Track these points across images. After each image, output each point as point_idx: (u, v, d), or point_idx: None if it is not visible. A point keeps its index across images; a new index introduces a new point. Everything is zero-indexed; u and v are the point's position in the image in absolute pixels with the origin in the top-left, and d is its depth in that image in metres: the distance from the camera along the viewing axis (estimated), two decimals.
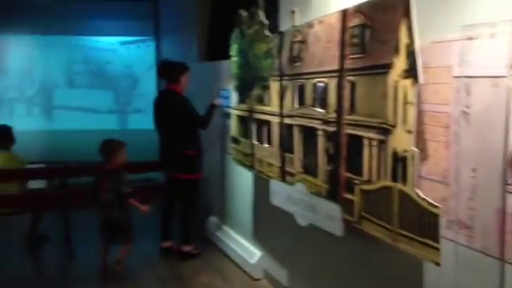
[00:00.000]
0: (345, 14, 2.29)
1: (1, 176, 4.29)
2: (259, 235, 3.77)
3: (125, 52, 6.41)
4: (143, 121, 5.68)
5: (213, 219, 4.69)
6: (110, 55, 6.37)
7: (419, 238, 1.84)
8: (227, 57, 3.88)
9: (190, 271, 3.89)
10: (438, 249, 1.76)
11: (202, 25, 4.97)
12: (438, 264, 1.78)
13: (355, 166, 2.26)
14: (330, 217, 2.53)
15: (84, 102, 6.34)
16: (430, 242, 1.79)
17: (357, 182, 2.25)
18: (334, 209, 2.47)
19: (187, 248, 4.17)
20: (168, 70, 4.16)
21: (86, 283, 3.75)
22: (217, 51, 4.59)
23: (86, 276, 3.86)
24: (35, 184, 5.05)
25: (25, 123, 6.20)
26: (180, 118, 4.06)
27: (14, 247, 4.51)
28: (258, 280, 3.67)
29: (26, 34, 6.32)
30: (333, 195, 2.48)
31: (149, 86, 6.05)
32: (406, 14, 1.84)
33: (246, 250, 3.88)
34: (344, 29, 2.30)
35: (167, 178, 4.34)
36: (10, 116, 6.11)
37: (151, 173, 5.13)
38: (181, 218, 4.21)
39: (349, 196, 2.33)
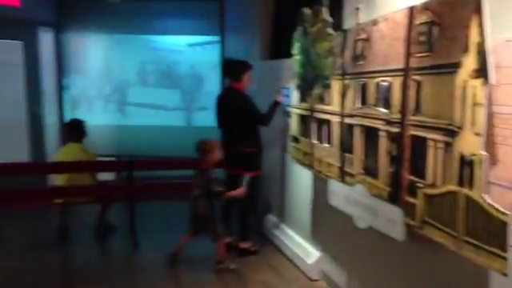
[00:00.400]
0: (412, 10, 2.22)
1: (73, 168, 4.55)
2: (317, 235, 3.74)
3: (192, 53, 6.66)
4: (207, 118, 5.88)
5: (271, 217, 4.70)
6: (179, 56, 6.67)
7: (485, 247, 1.75)
8: (289, 55, 3.87)
9: (247, 268, 3.93)
10: (505, 258, 1.67)
11: (266, 23, 4.99)
12: (504, 274, 1.68)
13: (419, 169, 2.18)
14: (390, 220, 2.46)
15: (154, 99, 6.73)
16: (497, 251, 1.69)
17: (420, 185, 2.17)
18: (395, 212, 2.40)
19: (245, 245, 4.21)
20: (231, 68, 4.22)
21: (149, 272, 3.89)
22: (279, 50, 4.59)
23: (149, 265, 4.02)
24: (105, 176, 5.34)
25: (101, 118, 6.68)
26: (240, 116, 4.11)
27: (84, 235, 4.77)
28: (315, 281, 3.65)
29: (102, 33, 6.75)
30: (394, 198, 2.41)
31: (213, 85, 6.22)
32: (477, 10, 1.75)
33: (304, 249, 3.87)
34: (411, 26, 2.23)
35: (227, 174, 4.40)
36: (88, 111, 6.63)
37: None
38: (239, 214, 4.27)
39: (411, 199, 2.25)
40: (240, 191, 3.99)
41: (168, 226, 5.03)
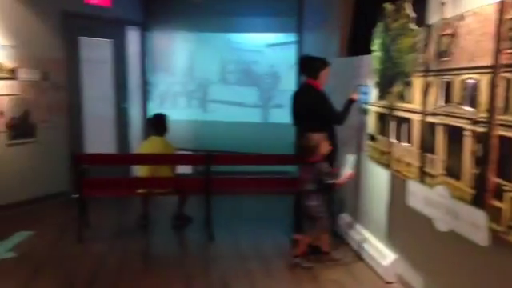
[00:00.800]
0: (502, 5, 2.10)
1: (154, 160, 4.78)
2: (393, 237, 3.64)
3: (270, 53, 6.82)
4: (282, 115, 6.01)
5: (345, 216, 4.65)
6: (257, 56, 6.86)
7: None
8: (368, 52, 3.79)
9: (319, 266, 3.92)
10: None
11: (345, 20, 4.92)
12: None
13: (506, 171, 2.06)
14: (473, 224, 2.35)
15: (233, 97, 7.00)
16: None
17: (507, 188, 2.05)
18: (479, 216, 2.29)
19: (317, 243, 4.19)
20: (308, 65, 4.21)
21: (223, 262, 4.00)
22: (358, 46, 4.52)
23: (223, 256, 4.13)
24: (183, 169, 5.57)
25: (184, 114, 7.01)
26: (315, 113, 4.09)
27: (163, 224, 5.00)
28: (390, 283, 3.56)
29: (185, 31, 7.06)
30: (478, 201, 2.29)
31: (289, 84, 6.32)
32: None
33: (379, 251, 3.78)
34: (500, 21, 2.11)
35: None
36: (173, 107, 7.00)
37: (287, 166, 5.25)
38: None
39: (497, 203, 2.13)
40: (349, 174, 3.92)
41: (242, 220, 5.14)
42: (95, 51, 6.19)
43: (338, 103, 4.11)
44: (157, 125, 4.97)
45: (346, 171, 3.89)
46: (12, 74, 5.12)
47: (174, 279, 3.69)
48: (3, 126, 5.08)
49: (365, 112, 4.00)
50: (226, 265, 3.96)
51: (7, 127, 5.12)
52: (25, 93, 5.27)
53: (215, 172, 4.58)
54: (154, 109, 6.67)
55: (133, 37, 6.79)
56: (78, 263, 3.92)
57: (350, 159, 3.94)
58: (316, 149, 3.84)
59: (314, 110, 4.10)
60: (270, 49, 6.80)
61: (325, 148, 3.87)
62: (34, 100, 5.38)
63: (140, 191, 4.86)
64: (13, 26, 5.09)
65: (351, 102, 4.08)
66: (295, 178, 4.58)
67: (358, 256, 4.07)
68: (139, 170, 5.04)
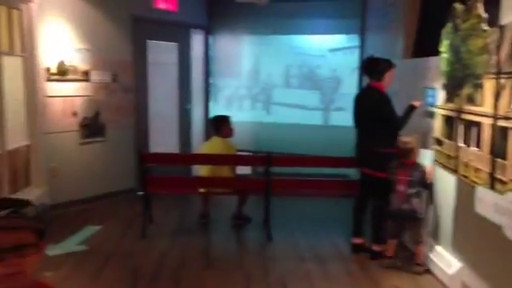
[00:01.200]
0: None
1: (216, 160, 4.88)
2: (459, 245, 3.51)
3: (332, 57, 6.87)
4: (343, 118, 6.04)
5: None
6: (320, 61, 6.94)
7: None
8: (435, 53, 3.68)
9: (380, 271, 3.84)
10: None
11: (411, 21, 4.80)
12: None
13: None
14: None
15: (295, 99, 7.11)
16: None
17: None
18: None
19: (377, 248, 4.11)
20: (372, 66, 4.14)
21: (281, 263, 4.03)
22: (424, 47, 4.39)
23: (282, 257, 4.16)
24: (243, 170, 5.66)
25: (248, 116, 7.18)
26: (377, 116, 4.02)
27: (222, 224, 5.10)
28: None
29: (248, 34, 7.22)
30: None
31: (350, 87, 6.34)
32: None
33: (443, 258, 3.65)
34: None
35: (361, 174, 4.33)
36: (239, 110, 7.20)
37: (347, 168, 5.20)
38: (372, 216, 4.19)
39: None
40: (431, 169, 3.83)
41: (301, 222, 5.14)
42: (161, 54, 6.42)
43: (401, 107, 4.01)
44: (218, 126, 5.08)
45: (428, 166, 3.85)
46: (85, 76, 5.42)
47: (233, 278, 3.75)
48: (76, 125, 5.38)
49: (431, 115, 3.89)
50: (285, 266, 3.98)
51: (80, 127, 5.42)
52: (96, 94, 5.56)
53: (275, 173, 4.62)
54: (217, 110, 6.82)
55: (197, 40, 6.98)
56: (142, 257, 4.09)
57: (428, 154, 3.89)
58: (412, 151, 3.81)
59: (376, 112, 4.03)
60: (332, 53, 6.84)
61: (417, 151, 3.86)
62: (104, 101, 5.66)
63: (201, 190, 4.98)
64: (87, 30, 5.39)
65: (412, 108, 3.97)
66: (355, 181, 4.54)
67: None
68: (200, 170, 5.17)
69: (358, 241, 4.26)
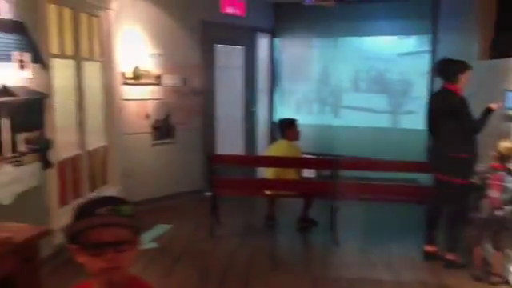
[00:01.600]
0: None
1: (281, 163, 4.90)
2: None
3: (402, 61, 6.77)
4: (413, 121, 6.04)
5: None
6: (389, 64, 6.88)
7: None
8: None
9: (455, 281, 3.69)
10: None
11: (487, 20, 4.59)
12: None
13: None
14: None
15: (364, 103, 7.10)
16: None
17: None
18: None
19: (451, 256, 3.95)
20: (447, 68, 3.99)
21: (351, 269, 3.97)
22: (503, 48, 4.17)
23: (350, 263, 4.10)
24: (308, 173, 5.65)
25: (316, 119, 7.24)
26: (452, 119, 3.87)
27: (288, 227, 5.10)
28: None
29: (314, 37, 7.26)
30: None
31: (421, 91, 6.26)
32: None
33: None
34: None
35: (435, 180, 4.18)
36: (306, 113, 7.26)
37: (418, 173, 5.04)
38: (447, 224, 4.03)
39: None
40: None
41: (368, 227, 5.04)
42: (228, 58, 6.55)
43: (477, 110, 3.83)
44: (285, 129, 5.10)
45: None
46: (157, 80, 5.63)
47: (301, 281, 3.75)
48: (149, 127, 5.60)
49: (510, 119, 3.69)
50: (354, 272, 3.92)
51: (152, 128, 5.64)
52: (167, 97, 5.76)
53: (342, 177, 4.56)
54: (284, 113, 6.86)
55: (263, 43, 7.05)
56: (211, 257, 4.19)
57: None
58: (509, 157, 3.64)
59: (452, 115, 3.88)
60: (401, 57, 6.74)
61: None
62: (175, 104, 5.85)
63: (267, 192, 5.02)
64: (159, 36, 5.60)
65: (489, 110, 3.79)
66: (427, 187, 4.39)
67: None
68: (266, 172, 5.22)
69: (430, 248, 4.11)
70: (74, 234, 1.29)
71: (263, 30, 7.00)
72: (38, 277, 2.20)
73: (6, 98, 3.15)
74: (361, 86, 7.13)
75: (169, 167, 5.84)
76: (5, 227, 2.15)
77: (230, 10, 6.32)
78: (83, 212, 1.30)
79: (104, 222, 1.29)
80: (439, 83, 4.13)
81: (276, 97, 7.38)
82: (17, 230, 2.12)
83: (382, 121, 6.89)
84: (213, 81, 6.35)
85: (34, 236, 2.17)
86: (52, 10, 3.99)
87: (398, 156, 5.15)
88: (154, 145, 5.68)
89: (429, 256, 4.10)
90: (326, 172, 5.07)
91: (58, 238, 3.56)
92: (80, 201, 1.34)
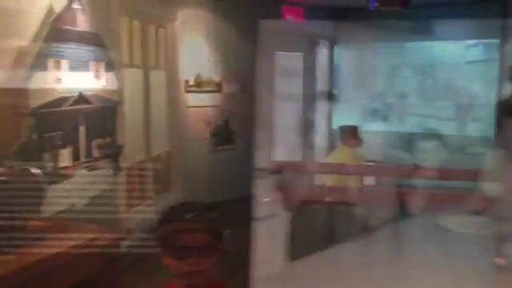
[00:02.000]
0: None
1: (343, 171, 4.83)
2: None
3: (468, 69, 6.63)
4: (478, 129, 5.99)
5: None
6: (456, 72, 6.77)
7: None
8: None
9: None
10: None
11: None
12: None
13: None
14: None
15: (427, 110, 6.93)
16: None
17: None
18: None
19: None
20: None
21: (415, 280, 3.82)
22: None
23: (414, 274, 3.94)
24: (369, 180, 5.53)
25: (379, 126, 7.06)
26: None
27: (348, 234, 5.00)
28: None
29: (376, 43, 7.10)
30: None
31: (489, 98, 6.01)
32: None
33: None
34: None
35: None
36: (369, 120, 7.10)
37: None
38: None
39: None
40: None
41: (434, 237, 4.85)
42: (287, 64, 6.56)
43: None
44: (345, 136, 5.03)
45: None
46: (218, 88, 5.73)
47: None
48: (209, 133, 5.71)
49: None
50: (419, 283, 3.77)
51: (211, 135, 5.75)
52: (226, 104, 5.85)
53: (407, 185, 4.43)
54: (345, 120, 6.78)
55: (322, 50, 7.02)
56: None
57: None
58: None
59: None
60: (469, 65, 6.57)
61: None
62: (233, 110, 5.93)
63: (327, 199, 4.95)
64: (220, 44, 5.71)
65: None
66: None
67: None
68: (326, 180, 5.15)
69: (502, 261, 3.91)
70: (162, 237, 1.34)
71: (323, 37, 6.96)
72: (120, 278, 2.29)
73: (82, 106, 3.32)
74: (426, 93, 7.01)
75: (228, 173, 5.92)
76: (88, 229, 2.26)
77: (289, 17, 6.34)
78: (172, 216, 1.35)
79: (192, 228, 1.33)
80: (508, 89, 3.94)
81: (336, 104, 7.31)
82: (99, 232, 2.23)
83: (446, 128, 6.68)
84: (272, 88, 6.37)
85: (117, 237, 2.27)
86: (124, 22, 4.18)
87: (464, 165, 4.96)
88: (213, 151, 5.77)
89: (501, 268, 3.89)
90: (386, 180, 4.94)
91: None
92: (168, 205, 1.39)
